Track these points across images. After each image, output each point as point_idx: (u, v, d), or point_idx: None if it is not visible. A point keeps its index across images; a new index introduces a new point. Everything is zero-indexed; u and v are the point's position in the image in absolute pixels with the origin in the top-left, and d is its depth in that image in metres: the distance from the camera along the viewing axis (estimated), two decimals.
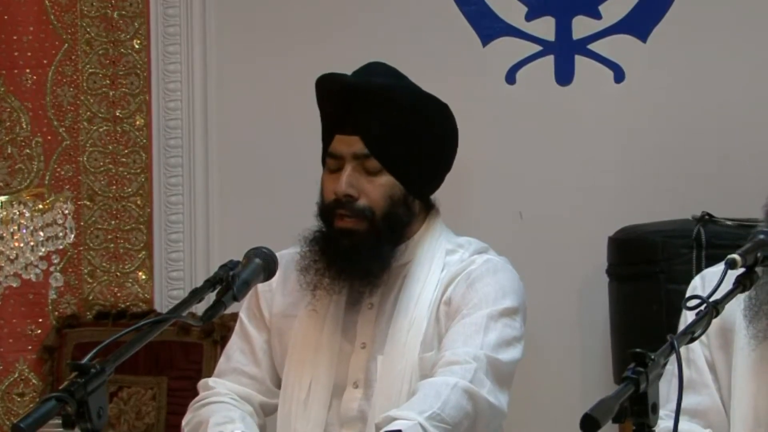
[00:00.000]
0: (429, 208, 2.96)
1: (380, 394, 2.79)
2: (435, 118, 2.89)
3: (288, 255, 2.97)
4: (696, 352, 2.70)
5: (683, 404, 2.47)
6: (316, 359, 2.85)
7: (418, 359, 2.79)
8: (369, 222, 2.83)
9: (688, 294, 2.76)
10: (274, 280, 2.92)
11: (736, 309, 2.63)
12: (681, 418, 2.56)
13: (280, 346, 2.93)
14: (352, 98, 2.84)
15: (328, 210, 2.87)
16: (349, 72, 2.94)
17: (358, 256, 2.82)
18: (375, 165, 2.83)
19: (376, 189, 2.84)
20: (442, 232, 2.95)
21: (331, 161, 2.87)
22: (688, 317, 2.68)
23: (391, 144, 2.83)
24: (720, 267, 2.74)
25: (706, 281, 2.77)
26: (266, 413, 2.95)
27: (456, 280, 2.87)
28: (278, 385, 2.94)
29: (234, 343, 3.00)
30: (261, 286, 2.92)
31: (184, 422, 2.90)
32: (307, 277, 2.88)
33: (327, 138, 2.90)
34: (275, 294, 2.97)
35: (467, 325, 2.79)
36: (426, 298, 2.85)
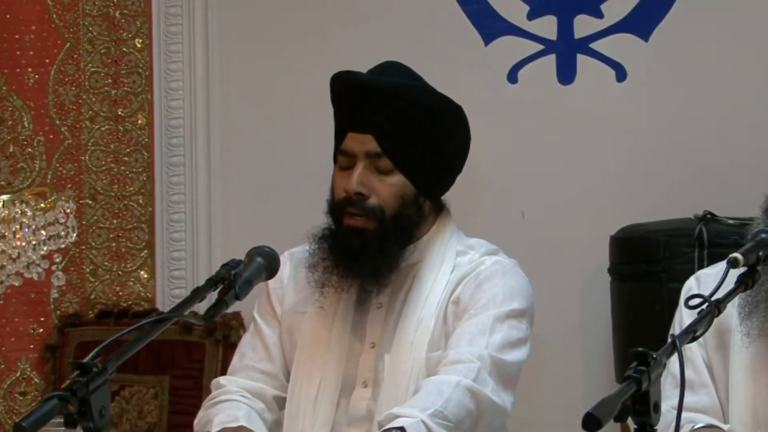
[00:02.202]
0: (440, 209, 2.95)
1: (386, 393, 2.78)
2: (448, 119, 2.88)
3: (299, 252, 2.97)
4: (694, 352, 2.70)
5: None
6: (326, 358, 2.85)
7: (425, 358, 2.78)
8: (379, 221, 2.82)
9: (683, 295, 2.76)
10: (286, 276, 2.94)
11: (732, 309, 2.62)
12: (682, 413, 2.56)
13: (289, 341, 2.93)
14: (366, 96, 2.82)
15: (338, 208, 2.85)
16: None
17: (366, 255, 2.81)
18: (387, 164, 2.82)
19: (387, 188, 2.82)
20: (453, 234, 2.94)
21: (343, 159, 2.86)
22: (684, 318, 2.69)
23: (403, 144, 2.82)
24: (714, 269, 2.75)
25: (701, 282, 2.76)
26: (281, 407, 2.93)
27: (465, 280, 2.86)
28: None
29: (247, 340, 2.99)
30: (272, 283, 2.91)
31: (195, 421, 2.90)
32: (316, 274, 2.87)
33: (339, 135, 2.89)
34: (286, 290, 2.96)
35: (473, 325, 2.78)
36: (435, 297, 2.84)
